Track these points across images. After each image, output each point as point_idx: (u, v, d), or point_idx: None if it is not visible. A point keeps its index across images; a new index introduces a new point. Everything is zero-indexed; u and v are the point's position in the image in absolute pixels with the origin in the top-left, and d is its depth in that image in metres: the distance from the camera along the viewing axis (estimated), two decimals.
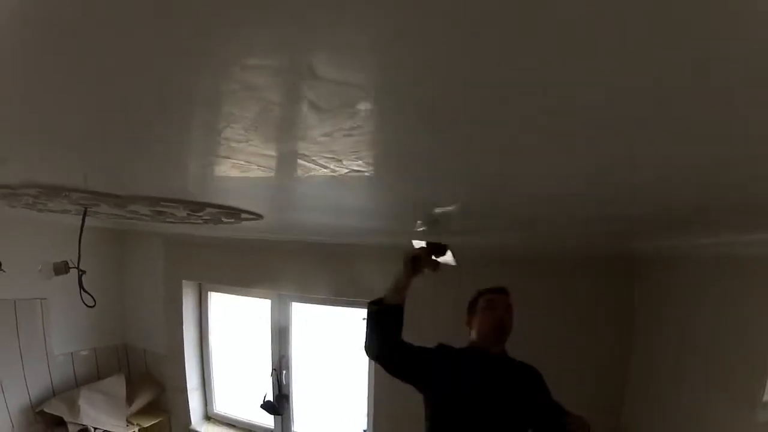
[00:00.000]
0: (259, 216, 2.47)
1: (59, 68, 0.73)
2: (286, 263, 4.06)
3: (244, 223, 2.65)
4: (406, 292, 2.24)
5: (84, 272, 2.40)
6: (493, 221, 2.18)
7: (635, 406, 2.87)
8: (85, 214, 2.30)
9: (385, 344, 2.22)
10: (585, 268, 3.09)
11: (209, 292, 4.77)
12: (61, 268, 2.45)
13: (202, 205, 2.12)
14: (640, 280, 2.94)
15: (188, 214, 2.26)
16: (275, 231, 3.53)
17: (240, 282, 4.43)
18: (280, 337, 4.36)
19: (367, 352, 2.30)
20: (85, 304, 2.41)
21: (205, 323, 4.78)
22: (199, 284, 4.77)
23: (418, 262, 2.22)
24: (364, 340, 2.28)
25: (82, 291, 2.38)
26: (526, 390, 2.24)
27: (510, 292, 2.34)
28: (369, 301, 2.30)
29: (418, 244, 2.34)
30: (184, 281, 4.63)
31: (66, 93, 0.85)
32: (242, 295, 4.59)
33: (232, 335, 4.82)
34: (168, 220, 2.57)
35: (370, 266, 3.65)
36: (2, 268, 3.88)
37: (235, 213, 2.31)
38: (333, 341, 4.27)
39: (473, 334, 2.34)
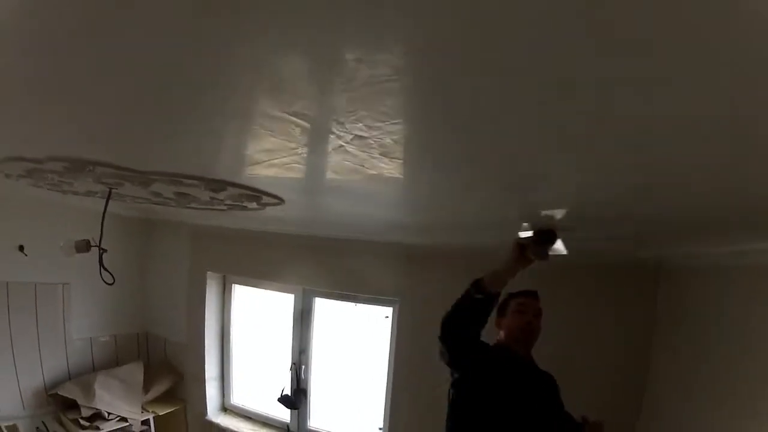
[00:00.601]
0: (280, 200, 2.35)
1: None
2: (309, 258, 4.02)
3: (268, 210, 2.57)
4: (506, 282, 2.03)
5: (105, 250, 2.43)
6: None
7: (652, 415, 2.76)
8: (109, 196, 2.27)
9: (467, 332, 2.03)
10: (607, 274, 2.98)
11: (233, 285, 4.74)
12: (83, 246, 2.42)
13: (223, 184, 2.04)
14: (663, 288, 2.82)
15: (210, 197, 2.22)
16: (301, 224, 3.47)
17: (264, 275, 4.40)
18: (302, 331, 4.29)
19: (445, 335, 2.05)
20: (105, 282, 2.42)
21: (227, 315, 4.75)
22: (223, 276, 4.74)
23: (526, 250, 1.99)
24: (448, 320, 2.03)
25: (102, 269, 2.38)
26: (546, 397, 2.19)
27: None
28: (474, 281, 2.04)
29: (526, 233, 2.12)
30: (208, 272, 4.61)
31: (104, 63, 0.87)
32: (265, 288, 4.56)
33: (254, 328, 4.78)
34: (191, 205, 2.54)
35: (393, 264, 3.60)
36: (24, 252, 3.89)
37: (256, 196, 2.22)
38: (353, 338, 4.20)
39: (501, 335, 2.26)
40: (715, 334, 2.20)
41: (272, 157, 1.44)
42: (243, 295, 4.77)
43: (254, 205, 2.42)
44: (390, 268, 3.64)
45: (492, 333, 2.31)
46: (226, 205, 2.42)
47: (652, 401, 2.77)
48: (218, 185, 2.04)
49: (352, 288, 3.92)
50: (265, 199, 2.30)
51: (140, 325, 5.07)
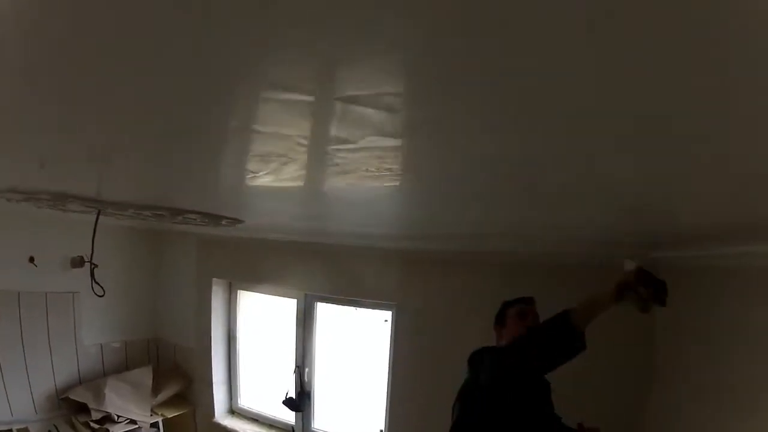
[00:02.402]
0: (240, 221, 2.64)
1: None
2: (311, 264, 4.01)
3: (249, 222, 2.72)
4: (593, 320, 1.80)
5: (96, 266, 2.47)
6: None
7: (655, 416, 2.69)
8: (98, 217, 2.37)
9: (544, 370, 1.88)
10: (609, 275, 2.90)
11: (238, 291, 4.74)
12: (77, 262, 2.48)
13: (181, 211, 2.33)
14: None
15: (183, 217, 2.44)
16: (302, 233, 3.50)
17: (267, 281, 4.40)
18: (305, 335, 4.27)
19: (528, 369, 1.88)
20: (96, 294, 2.51)
21: (234, 320, 4.75)
22: (229, 283, 4.74)
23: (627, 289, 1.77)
24: (534, 355, 1.83)
25: (93, 282, 2.47)
26: (544, 401, 2.15)
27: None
28: (562, 312, 1.82)
29: (629, 266, 1.84)
30: (214, 279, 4.61)
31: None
32: (270, 294, 4.55)
33: (259, 332, 4.77)
34: (174, 221, 2.69)
35: (390, 270, 3.58)
36: (35, 263, 3.91)
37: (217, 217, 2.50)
38: (355, 342, 4.17)
39: (503, 344, 2.19)
40: (717, 335, 2.14)
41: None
42: (248, 301, 4.77)
43: (224, 222, 2.61)
44: (387, 273, 3.62)
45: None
46: (202, 222, 2.54)
47: (655, 402, 2.70)
48: (177, 212, 2.32)
49: (352, 292, 3.89)
50: (226, 221, 2.57)
51: (150, 331, 5.07)
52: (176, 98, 0.82)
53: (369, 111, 0.79)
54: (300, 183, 1.47)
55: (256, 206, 2.30)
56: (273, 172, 1.31)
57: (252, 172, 1.36)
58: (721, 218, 1.46)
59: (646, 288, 1.74)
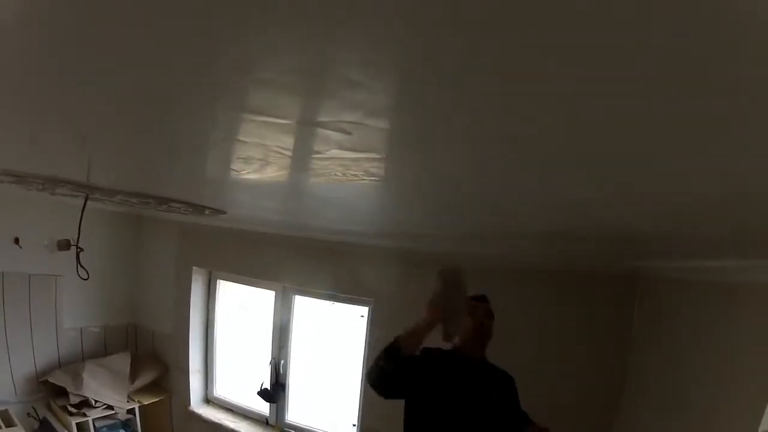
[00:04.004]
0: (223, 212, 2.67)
1: None
2: (291, 258, 4.01)
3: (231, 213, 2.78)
4: (421, 341, 1.98)
5: (82, 249, 2.49)
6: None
7: (629, 423, 2.68)
8: (85, 201, 2.38)
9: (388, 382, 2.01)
10: (587, 280, 2.92)
11: (218, 280, 4.70)
12: (64, 245, 2.46)
13: (167, 200, 2.36)
14: (641, 299, 2.75)
15: (168, 205, 2.46)
16: (284, 226, 3.48)
17: (247, 272, 4.38)
18: (281, 327, 4.25)
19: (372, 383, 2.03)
20: (80, 277, 2.47)
21: (212, 309, 4.71)
22: (209, 272, 4.70)
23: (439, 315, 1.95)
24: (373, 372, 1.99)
25: (78, 266, 2.44)
26: (499, 395, 2.16)
27: (490, 300, 2.26)
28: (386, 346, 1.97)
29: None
30: (194, 268, 4.58)
31: None
32: (249, 285, 4.52)
33: (237, 323, 4.74)
34: (160, 208, 2.69)
35: (368, 266, 3.59)
36: (19, 244, 3.87)
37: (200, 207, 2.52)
38: (330, 336, 4.16)
39: (456, 339, 2.20)
40: (691, 345, 2.13)
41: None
42: (227, 291, 4.73)
43: (207, 212, 2.65)
44: (366, 270, 3.61)
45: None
46: (186, 210, 2.57)
47: (629, 409, 2.70)
48: (163, 200, 2.38)
49: (329, 287, 3.89)
50: (209, 211, 2.62)
51: (129, 316, 5.03)
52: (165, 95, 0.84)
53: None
54: (278, 180, 1.52)
55: (237, 199, 2.35)
56: (253, 171, 1.37)
57: (234, 169, 1.42)
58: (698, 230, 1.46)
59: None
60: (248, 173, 1.42)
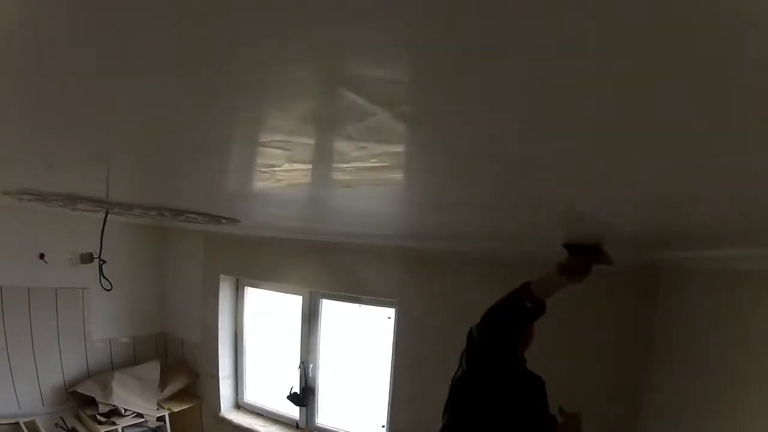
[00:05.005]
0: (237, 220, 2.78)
1: None
2: (316, 261, 3.96)
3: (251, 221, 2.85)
4: (553, 293, 1.98)
5: (104, 261, 2.54)
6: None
7: (652, 417, 2.58)
8: (106, 216, 2.41)
9: (506, 335, 1.95)
10: (607, 274, 2.80)
11: (245, 287, 4.68)
12: (87, 258, 2.46)
13: (182, 212, 2.44)
14: (663, 289, 2.65)
15: (186, 216, 2.56)
16: (306, 231, 3.48)
17: (273, 278, 4.35)
18: (309, 331, 4.21)
19: (484, 331, 1.97)
20: (104, 288, 2.50)
21: (240, 316, 4.69)
22: (236, 279, 4.67)
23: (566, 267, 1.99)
24: (491, 318, 1.95)
25: (102, 277, 2.45)
26: (533, 399, 2.07)
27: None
28: (520, 286, 1.96)
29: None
30: (221, 275, 4.56)
31: None
32: (276, 290, 4.49)
33: (265, 328, 4.71)
34: (178, 219, 2.78)
35: (392, 267, 3.53)
36: (45, 259, 3.88)
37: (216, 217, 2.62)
38: (358, 338, 4.10)
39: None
40: (714, 337, 2.03)
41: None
42: (255, 297, 4.70)
43: (223, 221, 2.74)
44: (390, 270, 3.56)
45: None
46: (203, 221, 2.66)
47: (652, 403, 2.60)
48: (179, 212, 2.49)
49: (355, 290, 3.84)
50: (225, 221, 2.74)
51: (158, 326, 5.01)
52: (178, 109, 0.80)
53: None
54: (290, 191, 1.56)
55: (251, 209, 2.42)
56: (266, 181, 1.39)
57: (245, 181, 1.49)
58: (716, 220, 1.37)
59: (578, 258, 2.00)
60: (260, 182, 1.43)
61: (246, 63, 0.56)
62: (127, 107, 0.80)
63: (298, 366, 4.22)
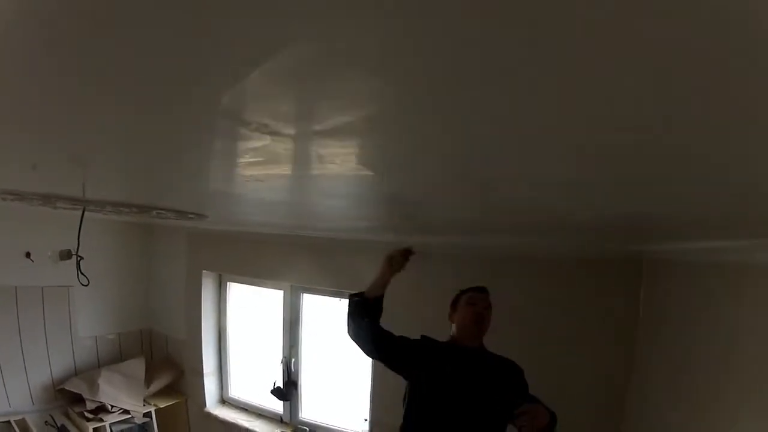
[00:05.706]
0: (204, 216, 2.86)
1: None
2: (296, 257, 3.98)
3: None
4: (383, 286, 2.34)
5: (82, 258, 2.56)
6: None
7: (637, 414, 2.62)
8: (83, 213, 2.45)
9: (361, 330, 2.26)
10: (591, 268, 2.85)
11: (228, 283, 4.71)
12: (65, 255, 2.49)
13: (150, 208, 2.53)
14: (647, 282, 2.68)
15: (156, 212, 2.64)
16: (288, 227, 3.49)
17: (255, 273, 4.37)
18: (291, 326, 4.25)
19: (350, 336, 2.34)
20: (81, 284, 2.54)
21: (224, 312, 4.72)
22: (219, 275, 4.70)
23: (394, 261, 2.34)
24: (346, 326, 2.34)
25: (79, 273, 2.49)
26: (503, 382, 2.14)
27: (489, 292, 2.28)
28: (351, 293, 2.38)
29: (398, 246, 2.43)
30: (204, 271, 4.58)
31: None
32: (258, 285, 4.52)
33: (248, 324, 4.74)
34: (152, 215, 2.82)
35: (372, 262, 3.57)
36: (31, 258, 3.89)
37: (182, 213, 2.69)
38: (339, 332, 4.13)
39: (454, 329, 2.30)
40: (699, 332, 2.06)
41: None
42: (237, 293, 4.73)
43: (190, 216, 2.86)
44: (370, 265, 3.57)
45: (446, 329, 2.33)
46: (172, 216, 2.76)
47: (637, 399, 2.63)
48: (148, 208, 2.58)
49: (335, 284, 3.87)
50: (192, 216, 2.84)
51: (143, 323, 5.04)
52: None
53: None
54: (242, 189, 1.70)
55: (215, 205, 2.54)
56: (218, 182, 1.54)
57: (204, 181, 1.60)
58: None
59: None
60: (221, 181, 1.56)
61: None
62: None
63: (280, 361, 4.26)
